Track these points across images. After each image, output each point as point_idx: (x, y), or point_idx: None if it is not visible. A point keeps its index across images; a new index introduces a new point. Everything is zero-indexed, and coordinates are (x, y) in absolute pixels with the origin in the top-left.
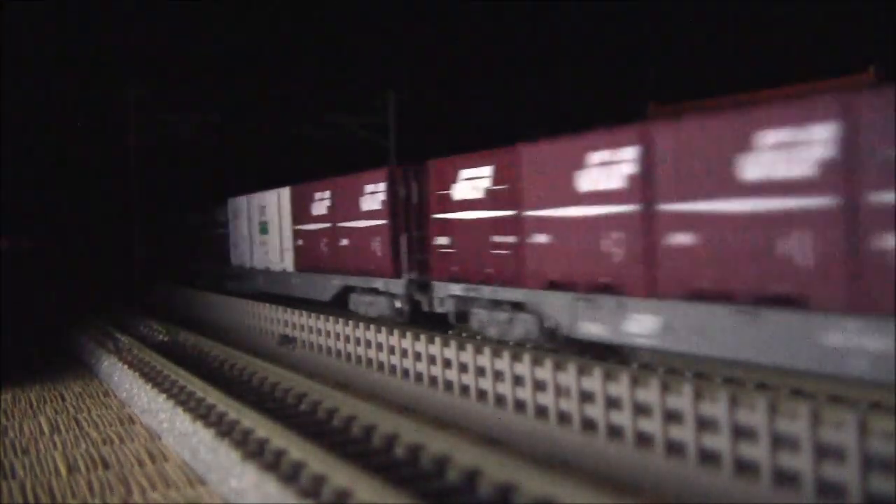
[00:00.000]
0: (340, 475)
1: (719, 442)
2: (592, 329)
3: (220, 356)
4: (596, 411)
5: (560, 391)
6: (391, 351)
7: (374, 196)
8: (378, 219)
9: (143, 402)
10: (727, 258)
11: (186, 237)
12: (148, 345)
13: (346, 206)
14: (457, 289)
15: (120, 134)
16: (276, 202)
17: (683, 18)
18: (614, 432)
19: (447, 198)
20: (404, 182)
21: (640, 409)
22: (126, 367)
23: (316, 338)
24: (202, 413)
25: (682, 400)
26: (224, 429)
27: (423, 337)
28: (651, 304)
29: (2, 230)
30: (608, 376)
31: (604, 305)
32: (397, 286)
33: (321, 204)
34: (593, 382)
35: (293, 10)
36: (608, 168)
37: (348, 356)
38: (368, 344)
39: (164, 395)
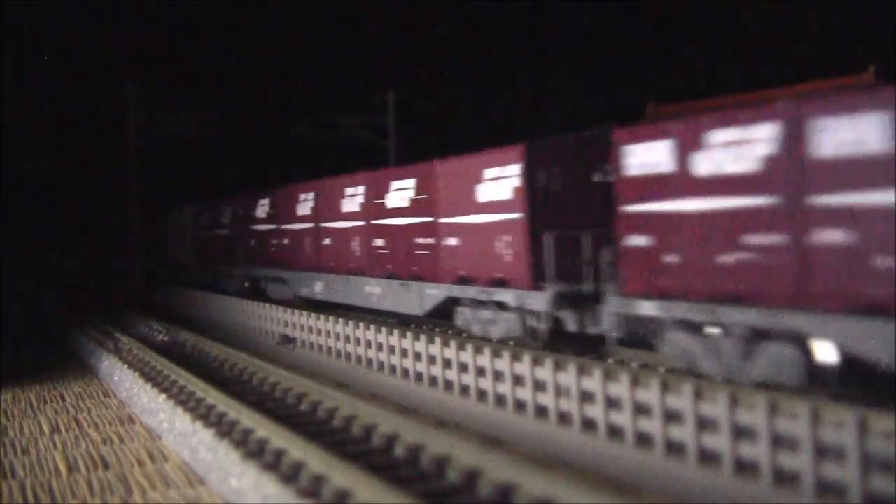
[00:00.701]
0: (340, 475)
1: (719, 442)
2: (305, 291)
3: (220, 356)
4: (596, 411)
5: (560, 391)
6: (391, 351)
7: (226, 215)
8: (227, 230)
9: (143, 402)
10: (339, 251)
11: (160, 238)
12: (148, 345)
13: (215, 220)
14: (258, 272)
15: (119, 134)
16: (187, 214)
17: (683, 18)
18: (614, 432)
19: (254, 219)
20: (243, 207)
21: (640, 409)
22: (126, 367)
23: (316, 338)
24: (202, 413)
25: (682, 400)
26: (224, 429)
27: (423, 337)
28: (318, 275)
29: (2, 228)
30: (608, 376)
31: (307, 278)
32: (240, 270)
33: (205, 218)
34: (593, 382)
35: (293, 11)
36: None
37: (348, 356)
38: (368, 344)
39: (164, 395)
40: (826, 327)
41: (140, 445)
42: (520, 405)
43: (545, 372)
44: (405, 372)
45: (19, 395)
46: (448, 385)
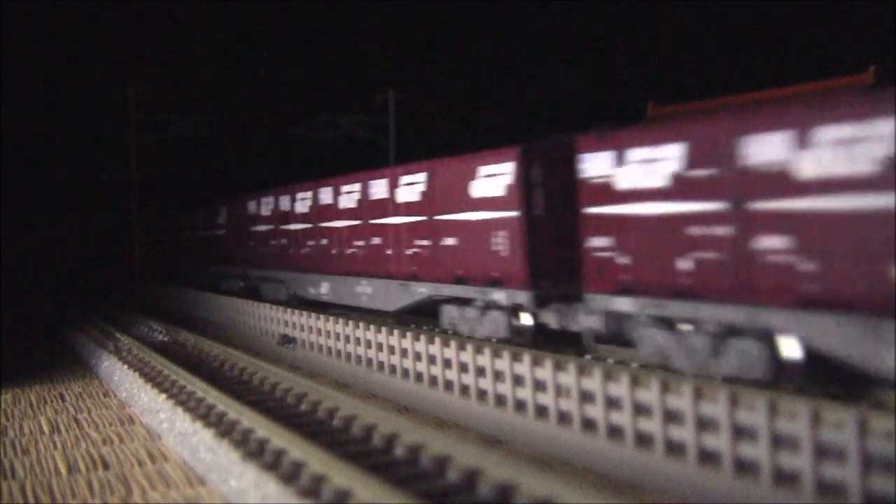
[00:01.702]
0: (340, 475)
1: (719, 442)
2: (193, 276)
3: (220, 356)
4: (596, 411)
5: (560, 391)
6: (391, 351)
7: (166, 222)
8: (168, 235)
9: (143, 402)
10: (207, 251)
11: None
12: (148, 345)
13: (164, 227)
14: (177, 267)
15: (120, 133)
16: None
17: (683, 19)
18: (614, 432)
19: (175, 228)
20: (171, 218)
21: (640, 409)
22: (126, 367)
23: (316, 338)
24: (202, 413)
25: (682, 400)
26: (224, 429)
27: (423, 337)
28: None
29: (1, 227)
30: (608, 376)
31: (201, 269)
32: (184, 266)
33: (160, 223)
34: (593, 382)
35: (293, 10)
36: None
37: (348, 356)
38: (368, 344)
39: (164, 395)
40: (245, 273)
41: (140, 445)
42: (520, 405)
43: (545, 372)
44: (405, 372)
45: (19, 395)
46: (448, 385)
